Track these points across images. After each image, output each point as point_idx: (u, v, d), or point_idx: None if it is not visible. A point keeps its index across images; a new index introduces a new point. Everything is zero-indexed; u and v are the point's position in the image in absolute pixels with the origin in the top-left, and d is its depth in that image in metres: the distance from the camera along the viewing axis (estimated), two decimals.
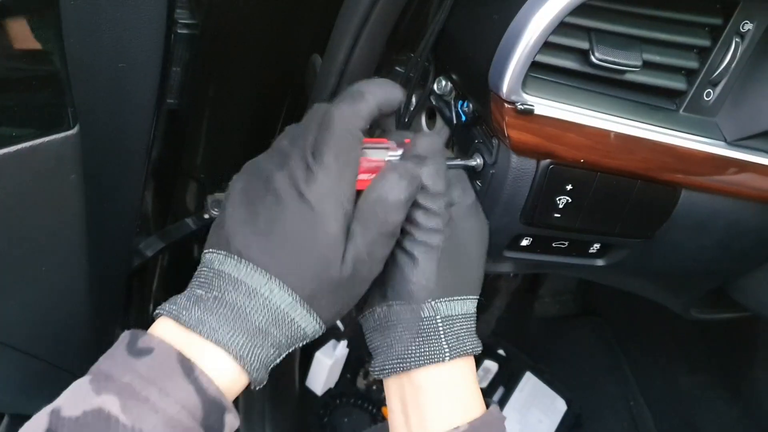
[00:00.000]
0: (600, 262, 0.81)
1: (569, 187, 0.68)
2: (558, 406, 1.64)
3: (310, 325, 0.56)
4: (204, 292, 0.54)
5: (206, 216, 1.00)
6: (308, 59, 0.85)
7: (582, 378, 1.74)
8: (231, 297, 0.53)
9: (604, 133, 0.65)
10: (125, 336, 0.53)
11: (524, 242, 0.75)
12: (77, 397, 0.50)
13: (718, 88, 0.69)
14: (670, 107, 0.69)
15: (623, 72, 0.65)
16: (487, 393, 1.59)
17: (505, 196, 0.68)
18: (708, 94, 0.69)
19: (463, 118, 0.72)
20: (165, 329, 0.54)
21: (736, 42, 0.67)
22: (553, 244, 0.76)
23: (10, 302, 0.59)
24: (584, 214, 0.70)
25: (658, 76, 0.67)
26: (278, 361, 0.56)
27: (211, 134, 0.99)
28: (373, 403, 1.47)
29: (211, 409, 0.51)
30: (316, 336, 0.58)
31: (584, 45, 0.63)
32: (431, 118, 0.82)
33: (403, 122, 0.81)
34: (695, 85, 0.68)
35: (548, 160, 0.66)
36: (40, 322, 0.64)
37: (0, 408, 0.71)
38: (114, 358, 0.51)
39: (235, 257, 0.55)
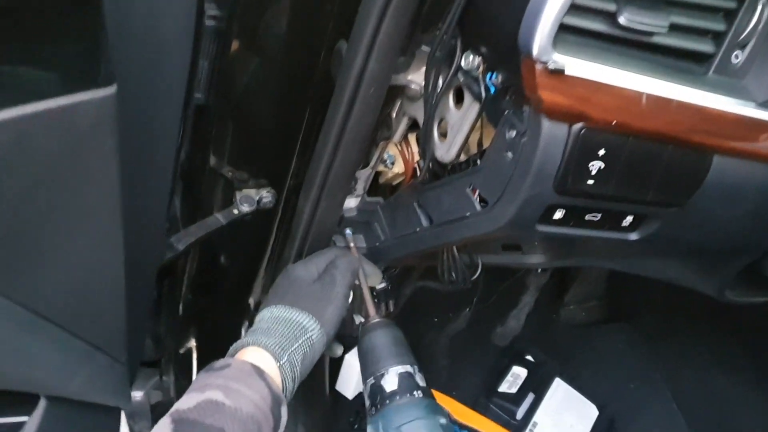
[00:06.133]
0: (633, 236, 0.80)
1: (602, 152, 0.68)
2: (590, 412, 1.61)
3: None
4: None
5: (235, 211, 1.01)
6: (333, 47, 0.86)
7: (612, 383, 1.71)
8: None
9: (633, 94, 0.65)
10: (200, 374, 0.74)
11: (557, 215, 0.75)
12: (187, 399, 0.69)
13: (746, 50, 0.69)
14: (699, 70, 0.69)
15: (651, 34, 0.65)
16: (516, 398, 1.56)
17: (537, 164, 0.68)
18: (736, 57, 0.69)
19: (492, 90, 0.73)
20: (234, 354, 0.79)
21: (762, 3, 0.67)
22: (586, 217, 0.76)
23: (48, 272, 0.59)
24: (617, 180, 0.70)
25: (685, 39, 0.67)
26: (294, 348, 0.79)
27: (238, 130, 1.00)
28: None
29: (275, 401, 0.72)
30: (314, 331, 0.81)
31: (611, 7, 0.63)
32: (459, 102, 0.82)
33: (430, 104, 0.82)
34: (723, 48, 0.69)
35: (580, 124, 0.66)
36: (78, 298, 0.65)
37: (37, 388, 0.71)
38: (202, 379, 0.72)
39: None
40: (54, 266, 0.59)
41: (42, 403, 0.72)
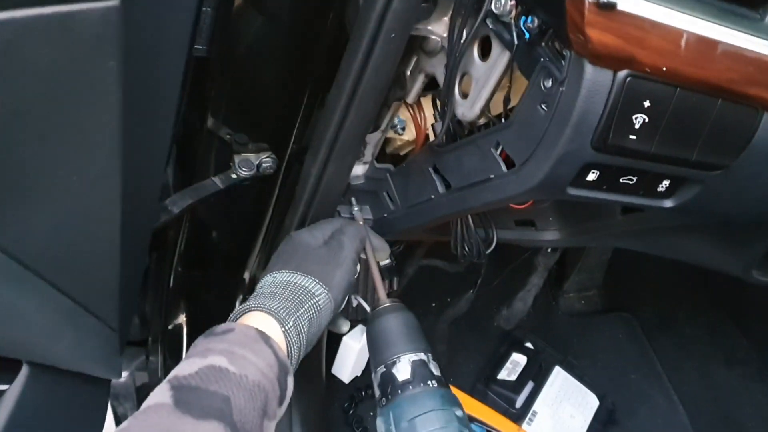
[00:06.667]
0: (668, 203, 0.75)
1: (647, 103, 0.62)
2: (590, 402, 1.56)
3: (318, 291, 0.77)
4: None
5: (234, 176, 0.94)
6: None
7: (612, 373, 1.68)
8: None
9: (688, 37, 0.60)
10: (199, 339, 0.68)
11: (591, 176, 0.69)
12: (187, 365, 0.63)
13: None
14: (755, 16, 0.64)
15: None
16: (516, 386, 1.51)
17: (577, 116, 0.62)
18: None
19: (527, 35, 0.66)
20: (234, 320, 0.72)
21: None
22: (621, 180, 0.70)
23: (36, 213, 0.52)
24: (661, 136, 0.64)
25: None
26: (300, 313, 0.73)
27: (239, 89, 0.94)
28: None
29: (282, 369, 0.67)
30: (321, 296, 0.76)
31: None
32: (485, 55, 0.76)
33: (454, 55, 0.75)
34: None
35: (626, 72, 0.60)
36: (68, 248, 0.58)
37: (18, 352, 0.64)
38: (203, 344, 0.66)
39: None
40: (43, 206, 0.52)
41: (24, 371, 0.65)
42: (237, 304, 1.09)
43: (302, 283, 0.76)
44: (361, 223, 0.94)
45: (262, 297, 0.74)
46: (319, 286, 0.77)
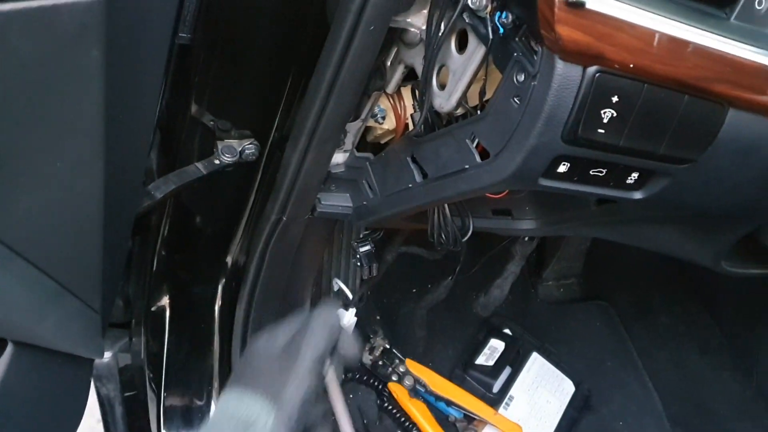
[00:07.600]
0: (637, 195, 0.77)
1: (615, 98, 0.64)
2: (566, 388, 1.60)
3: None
4: None
5: (217, 162, 0.96)
6: None
7: (588, 361, 1.71)
8: None
9: (654, 35, 0.62)
10: None
11: (561, 168, 0.71)
12: None
13: None
14: (721, 15, 0.66)
15: None
16: (493, 372, 1.54)
17: (548, 109, 0.64)
18: (760, 3, 0.66)
19: (501, 30, 0.68)
20: None
21: None
22: (591, 172, 0.72)
23: (19, 197, 0.54)
24: (629, 130, 0.66)
25: None
26: None
27: (223, 76, 0.95)
28: (380, 379, 1.42)
29: None
30: (267, 424, 0.68)
31: None
32: (462, 48, 0.78)
33: (432, 47, 0.77)
34: None
35: (595, 67, 0.62)
36: (51, 230, 0.59)
37: (3, 331, 0.65)
38: None
39: None
40: (27, 191, 0.53)
41: (9, 349, 0.67)
42: (219, 287, 1.10)
43: (243, 414, 0.69)
44: (345, 321, 0.87)
45: (208, 429, 0.72)
46: (263, 409, 0.69)
